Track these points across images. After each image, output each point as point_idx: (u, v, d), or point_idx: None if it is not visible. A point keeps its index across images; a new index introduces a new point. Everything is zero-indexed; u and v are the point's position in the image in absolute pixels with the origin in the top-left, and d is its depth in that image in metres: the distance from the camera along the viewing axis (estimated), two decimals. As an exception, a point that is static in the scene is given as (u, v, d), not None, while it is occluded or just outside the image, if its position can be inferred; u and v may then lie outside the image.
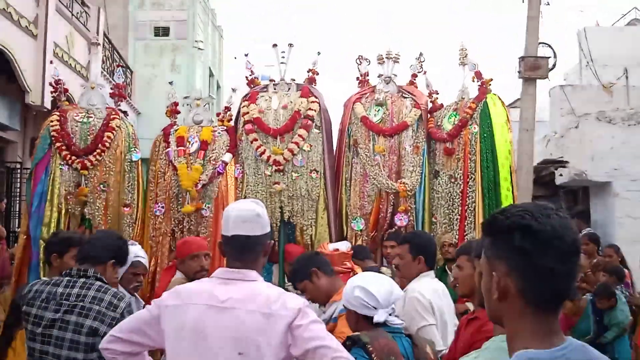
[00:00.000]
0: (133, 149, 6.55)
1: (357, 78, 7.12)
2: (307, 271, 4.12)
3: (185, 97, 7.14)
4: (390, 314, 3.24)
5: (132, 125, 6.86)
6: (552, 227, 1.51)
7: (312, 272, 4.08)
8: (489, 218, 1.65)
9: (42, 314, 3.19)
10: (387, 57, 6.93)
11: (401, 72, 7.00)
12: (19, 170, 11.49)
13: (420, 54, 7.02)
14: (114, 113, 6.57)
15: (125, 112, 6.96)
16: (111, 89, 7.04)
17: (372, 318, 3.19)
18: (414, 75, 7.01)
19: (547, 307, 1.55)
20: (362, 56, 7.08)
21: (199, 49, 7.37)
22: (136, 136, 6.77)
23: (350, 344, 3.02)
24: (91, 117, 6.49)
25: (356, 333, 3.13)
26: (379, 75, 6.95)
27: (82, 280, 3.28)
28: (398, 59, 6.95)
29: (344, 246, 5.18)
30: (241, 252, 2.69)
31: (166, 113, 6.84)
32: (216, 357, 2.50)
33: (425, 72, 6.97)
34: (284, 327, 2.51)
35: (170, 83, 7.45)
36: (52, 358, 3.13)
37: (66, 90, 6.92)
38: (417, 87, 6.99)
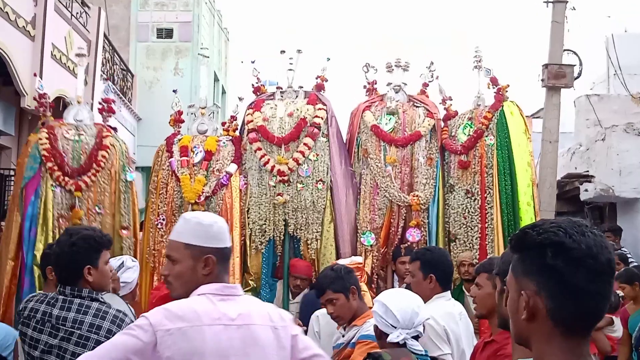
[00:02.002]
0: (127, 169, 6.49)
1: (365, 86, 7.14)
2: (347, 285, 4.03)
3: (190, 106, 7.19)
4: (414, 337, 3.21)
5: (124, 143, 6.79)
6: (587, 246, 1.50)
7: (351, 289, 4.02)
8: (519, 233, 1.63)
9: (37, 337, 3.15)
10: (396, 65, 6.96)
11: (411, 82, 7.06)
12: (13, 178, 11.51)
13: (431, 63, 7.05)
14: (105, 130, 6.49)
15: (115, 129, 6.85)
16: (99, 103, 6.96)
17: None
18: (425, 85, 7.04)
19: (577, 330, 1.54)
20: (369, 64, 7.12)
21: (204, 56, 7.38)
22: (129, 155, 6.73)
23: (371, 358, 3.04)
24: (82, 134, 6.38)
25: (378, 350, 3.16)
26: (388, 84, 6.96)
27: (78, 301, 3.22)
28: (408, 67, 6.98)
29: (351, 261, 5.18)
30: (227, 265, 2.74)
31: (170, 122, 6.86)
32: None
33: (438, 77, 6.98)
34: (290, 339, 2.63)
35: (174, 91, 7.46)
36: None
37: (52, 105, 6.79)
38: (428, 97, 7.01)
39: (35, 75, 8.35)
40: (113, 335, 3.10)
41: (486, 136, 6.44)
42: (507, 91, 6.60)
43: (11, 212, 6.16)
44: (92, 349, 3.03)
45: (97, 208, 6.26)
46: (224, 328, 2.48)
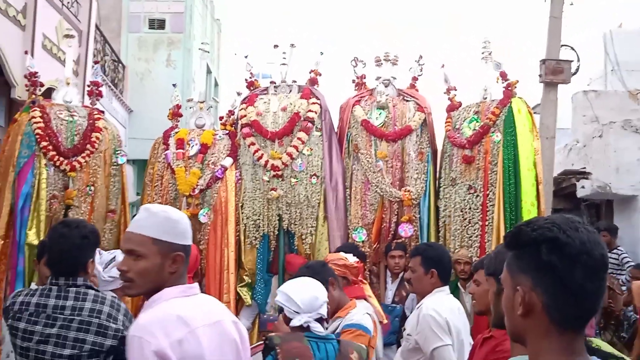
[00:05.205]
0: (119, 152, 6.56)
1: (353, 80, 7.16)
2: (325, 277, 4.13)
3: (189, 100, 7.25)
4: (316, 319, 3.40)
5: (115, 127, 6.86)
6: (581, 242, 1.55)
7: (330, 281, 4.14)
8: (514, 230, 1.68)
9: (32, 329, 3.15)
10: (385, 59, 6.98)
11: (403, 75, 7.08)
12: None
13: (420, 57, 7.07)
14: (96, 112, 6.54)
15: (103, 112, 6.88)
16: (87, 86, 6.99)
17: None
18: (415, 78, 7.06)
19: (572, 325, 1.58)
20: (357, 58, 7.14)
21: (205, 51, 7.36)
22: (120, 138, 6.77)
23: (267, 342, 3.26)
24: (75, 115, 6.44)
25: (272, 334, 3.35)
26: (377, 78, 6.98)
27: (75, 289, 3.26)
28: (396, 61, 6.99)
29: (351, 258, 5.22)
30: (188, 263, 2.64)
31: (168, 116, 6.89)
32: None
33: (443, 66, 6.95)
34: (245, 332, 2.71)
35: (174, 85, 7.51)
36: None
37: (42, 84, 6.82)
38: (417, 90, 7.02)
39: (26, 53, 8.31)
40: (113, 319, 3.19)
41: (492, 132, 6.37)
42: (516, 87, 6.52)
43: (1, 192, 6.13)
44: (97, 333, 3.12)
45: (88, 189, 6.32)
46: (208, 327, 2.47)
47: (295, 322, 3.37)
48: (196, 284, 2.65)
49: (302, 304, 3.38)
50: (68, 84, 6.70)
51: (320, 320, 3.44)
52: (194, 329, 2.40)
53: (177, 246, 2.52)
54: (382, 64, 7.00)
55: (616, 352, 2.36)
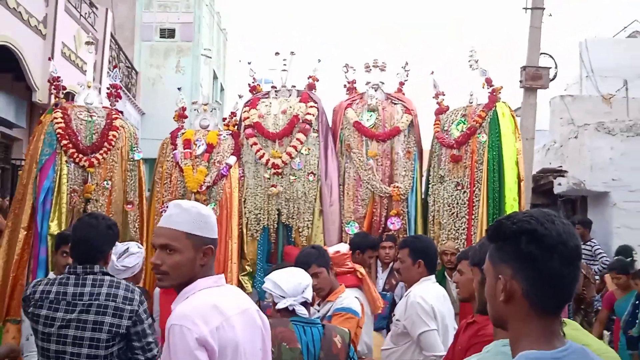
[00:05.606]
0: (135, 149, 6.57)
1: (345, 85, 7.19)
2: (328, 261, 4.26)
3: (194, 103, 7.27)
4: (301, 303, 3.44)
5: (133, 125, 6.88)
6: (557, 233, 1.55)
7: (331, 265, 4.24)
8: (495, 224, 1.68)
9: (53, 315, 3.17)
10: (373, 66, 7.01)
11: (389, 81, 7.09)
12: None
13: (406, 63, 7.11)
14: (114, 113, 6.57)
15: (122, 112, 6.93)
16: (107, 88, 7.01)
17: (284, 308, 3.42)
18: (401, 83, 7.09)
19: (550, 310, 1.59)
20: (348, 64, 7.17)
21: (208, 57, 7.35)
22: (137, 136, 6.79)
23: None
24: (94, 115, 6.46)
25: None
26: (367, 83, 7.00)
27: (92, 277, 3.28)
28: (384, 67, 7.02)
29: (344, 248, 5.24)
30: (215, 256, 2.59)
31: (174, 117, 6.89)
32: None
33: (432, 72, 6.99)
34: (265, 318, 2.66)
35: (179, 89, 7.52)
36: (70, 357, 3.12)
37: (64, 88, 6.85)
38: (404, 94, 7.05)
39: (49, 59, 8.32)
40: (129, 301, 3.21)
41: (479, 133, 6.42)
42: (500, 92, 6.58)
43: (25, 187, 6.16)
44: (113, 315, 3.14)
45: (105, 183, 6.33)
46: (239, 315, 2.45)
47: (281, 305, 3.40)
48: (222, 275, 2.61)
49: (286, 289, 3.41)
50: (89, 87, 6.71)
51: (305, 304, 3.46)
52: (228, 317, 2.37)
53: (207, 240, 2.47)
54: (371, 70, 7.02)
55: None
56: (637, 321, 6.45)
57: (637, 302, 6.59)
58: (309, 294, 3.50)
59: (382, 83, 7.00)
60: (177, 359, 2.24)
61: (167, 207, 6.35)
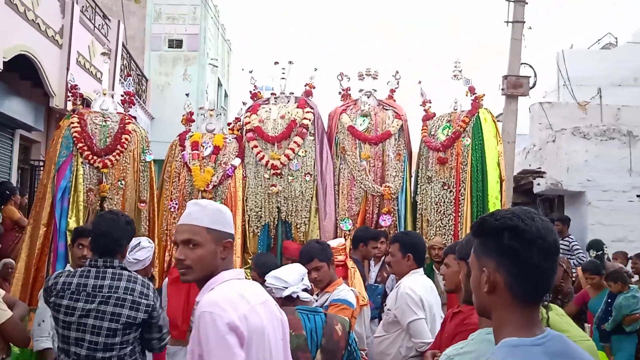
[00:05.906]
0: (147, 151, 6.57)
1: (339, 92, 7.21)
2: (329, 256, 4.31)
3: (201, 108, 7.29)
4: (303, 289, 3.52)
5: (144, 129, 6.90)
6: (537, 229, 1.56)
7: (332, 259, 4.29)
8: (479, 220, 1.69)
9: (74, 305, 3.19)
10: (366, 74, 7.04)
11: (380, 88, 7.11)
12: (42, 168, 11.48)
13: (397, 72, 7.15)
14: (127, 118, 6.58)
15: (134, 117, 6.93)
16: (121, 95, 7.02)
17: (287, 298, 3.46)
18: (392, 90, 7.13)
19: (530, 300, 1.59)
20: (342, 73, 7.21)
21: (214, 66, 7.35)
22: (148, 139, 6.79)
23: None
24: (108, 120, 6.47)
25: None
26: (360, 90, 7.03)
27: (111, 271, 3.29)
28: (377, 75, 7.05)
29: (335, 242, 5.26)
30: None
31: (182, 121, 6.88)
32: (286, 350, 2.56)
33: (420, 82, 7.04)
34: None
35: (187, 95, 7.52)
36: (88, 344, 3.14)
37: (82, 95, 6.85)
38: (395, 101, 7.08)
39: (68, 69, 8.33)
40: (145, 296, 3.23)
41: (463, 137, 6.49)
42: (482, 100, 6.66)
43: (45, 186, 6.21)
44: (130, 308, 3.17)
45: (119, 183, 6.33)
46: (262, 306, 2.40)
47: (287, 292, 3.44)
48: (242, 270, 2.58)
49: (289, 280, 3.48)
50: (105, 94, 6.69)
51: (306, 290, 3.54)
52: (253, 306, 2.32)
53: (226, 234, 2.43)
54: (364, 78, 7.04)
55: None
56: (609, 317, 6.53)
57: (609, 300, 6.67)
58: (307, 281, 3.59)
59: (375, 90, 7.04)
60: (210, 345, 2.18)
61: (175, 203, 6.42)
